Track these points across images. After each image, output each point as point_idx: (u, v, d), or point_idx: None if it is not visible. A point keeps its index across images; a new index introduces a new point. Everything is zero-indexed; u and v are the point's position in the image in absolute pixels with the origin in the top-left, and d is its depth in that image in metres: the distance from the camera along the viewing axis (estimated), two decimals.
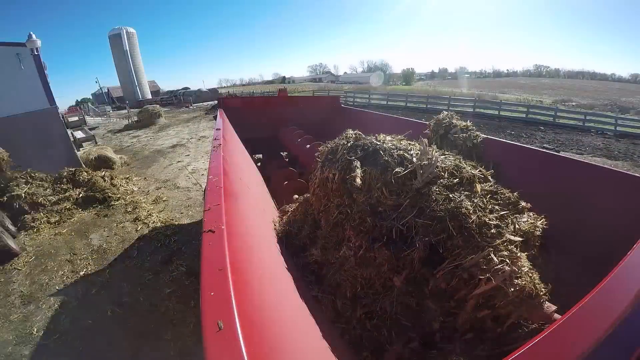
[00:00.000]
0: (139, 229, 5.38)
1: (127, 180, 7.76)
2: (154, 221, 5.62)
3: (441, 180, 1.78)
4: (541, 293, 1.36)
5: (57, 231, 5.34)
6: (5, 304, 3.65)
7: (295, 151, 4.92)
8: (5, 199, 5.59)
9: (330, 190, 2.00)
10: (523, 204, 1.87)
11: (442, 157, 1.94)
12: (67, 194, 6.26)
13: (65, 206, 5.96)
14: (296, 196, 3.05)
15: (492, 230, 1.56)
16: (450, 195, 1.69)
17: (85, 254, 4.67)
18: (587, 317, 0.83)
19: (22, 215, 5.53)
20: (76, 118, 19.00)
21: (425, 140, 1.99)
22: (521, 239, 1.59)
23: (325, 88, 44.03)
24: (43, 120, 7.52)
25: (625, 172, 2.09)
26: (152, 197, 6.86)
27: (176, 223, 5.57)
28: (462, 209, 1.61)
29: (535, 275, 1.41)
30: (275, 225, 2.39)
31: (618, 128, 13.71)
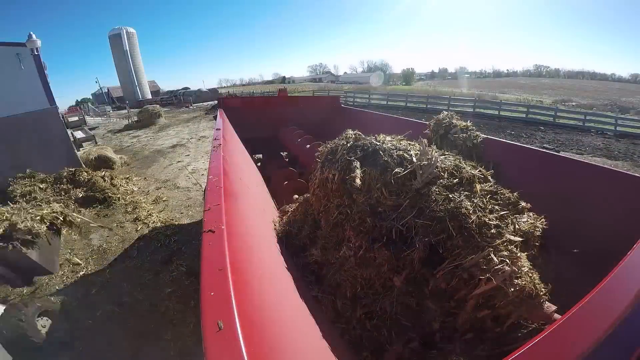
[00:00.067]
0: (139, 229, 5.38)
1: (127, 180, 7.76)
2: (154, 221, 5.62)
3: (441, 180, 1.78)
4: (541, 293, 1.36)
5: None
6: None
7: (295, 151, 4.92)
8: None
9: (330, 191, 2.00)
10: (523, 204, 1.87)
11: (441, 157, 1.94)
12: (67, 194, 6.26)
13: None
14: (296, 196, 3.05)
15: (492, 231, 1.56)
16: (450, 196, 1.69)
17: (85, 254, 4.67)
18: (587, 317, 0.83)
19: None
20: (76, 118, 18.99)
21: (425, 140, 1.99)
22: (521, 239, 1.59)
23: (325, 88, 44.04)
24: (43, 120, 7.52)
25: (625, 172, 2.09)
26: (152, 197, 6.86)
27: (176, 223, 5.57)
28: (462, 209, 1.61)
29: (535, 275, 1.41)
30: (275, 225, 2.39)
31: (618, 128, 13.71)
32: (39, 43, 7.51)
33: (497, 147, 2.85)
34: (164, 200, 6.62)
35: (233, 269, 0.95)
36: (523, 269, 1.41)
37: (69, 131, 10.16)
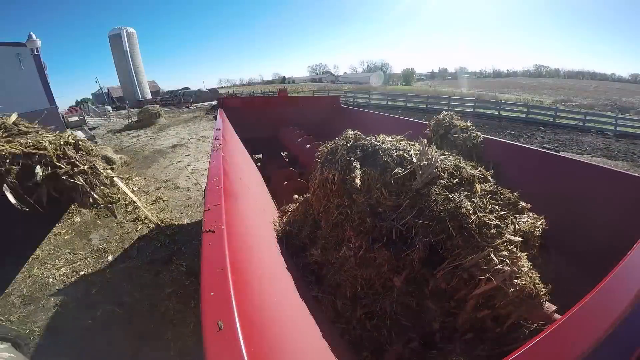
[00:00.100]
0: (139, 229, 5.38)
1: (127, 180, 7.76)
2: (153, 221, 5.62)
3: (441, 180, 1.79)
4: (541, 293, 1.36)
5: (57, 231, 5.34)
6: (5, 304, 3.65)
7: (295, 151, 4.92)
8: None
9: (330, 191, 2.00)
10: (523, 204, 1.87)
11: (441, 157, 1.94)
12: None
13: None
14: (296, 196, 3.05)
15: (492, 231, 1.56)
16: (450, 196, 1.69)
17: (85, 254, 4.67)
18: (587, 317, 0.83)
19: None
20: (76, 118, 18.96)
21: (425, 140, 1.99)
22: (521, 239, 1.59)
23: (325, 88, 44.04)
24: (43, 120, 7.50)
25: (625, 172, 2.09)
26: (152, 197, 6.86)
27: (176, 223, 5.57)
28: (462, 209, 1.61)
29: (535, 275, 1.41)
30: (275, 225, 2.39)
31: (618, 128, 13.71)
32: (39, 43, 7.52)
33: (497, 147, 2.85)
34: (164, 200, 6.63)
35: (233, 269, 0.95)
36: (523, 269, 1.41)
37: (69, 131, 10.16)
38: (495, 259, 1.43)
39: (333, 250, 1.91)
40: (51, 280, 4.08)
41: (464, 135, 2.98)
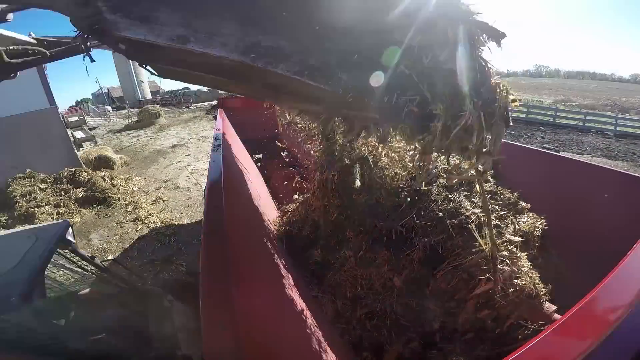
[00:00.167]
0: (139, 229, 5.38)
1: (127, 180, 7.76)
2: (154, 221, 5.62)
3: (440, 180, 1.79)
4: (541, 293, 1.36)
5: None
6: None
7: (295, 151, 4.91)
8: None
9: (330, 191, 2.00)
10: (523, 204, 1.87)
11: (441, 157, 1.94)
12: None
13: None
14: (296, 196, 3.05)
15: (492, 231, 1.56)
16: (450, 196, 1.69)
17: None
18: (587, 317, 0.83)
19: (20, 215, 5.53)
20: (76, 118, 18.97)
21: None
22: (521, 239, 1.59)
23: None
24: (43, 120, 7.52)
25: (626, 172, 2.09)
26: (152, 197, 6.86)
27: (176, 223, 5.56)
28: (462, 209, 1.61)
29: (535, 276, 1.41)
30: (275, 225, 2.39)
31: (618, 128, 13.69)
32: None
33: None
34: (164, 200, 6.62)
35: (233, 269, 0.95)
36: (523, 269, 1.41)
37: (69, 131, 10.16)
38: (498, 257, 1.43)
39: (333, 250, 1.92)
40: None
41: None
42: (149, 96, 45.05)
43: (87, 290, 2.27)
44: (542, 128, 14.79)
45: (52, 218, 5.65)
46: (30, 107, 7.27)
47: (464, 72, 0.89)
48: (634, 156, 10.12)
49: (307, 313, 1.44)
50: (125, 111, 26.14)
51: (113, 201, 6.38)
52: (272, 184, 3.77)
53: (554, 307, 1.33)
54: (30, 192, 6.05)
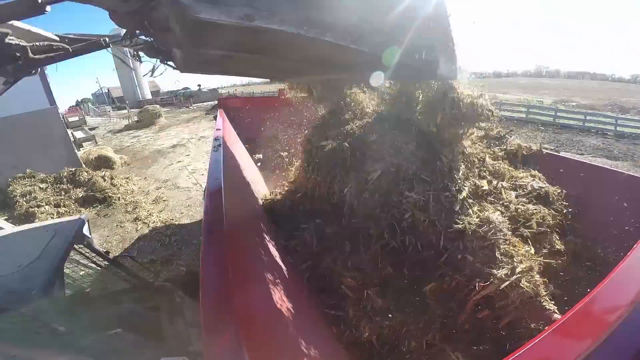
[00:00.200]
0: (139, 228, 5.38)
1: (127, 180, 7.75)
2: (154, 221, 5.61)
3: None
4: (542, 294, 1.36)
5: None
6: None
7: (295, 151, 4.90)
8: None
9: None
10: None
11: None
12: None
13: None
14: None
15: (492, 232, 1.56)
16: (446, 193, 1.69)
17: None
18: (587, 317, 0.83)
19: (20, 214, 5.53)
20: (76, 118, 18.97)
21: None
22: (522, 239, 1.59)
23: None
24: (43, 120, 7.52)
25: (626, 172, 2.09)
26: (152, 197, 6.86)
27: (176, 223, 5.56)
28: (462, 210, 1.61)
29: (535, 277, 1.41)
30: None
31: (618, 128, 13.68)
32: None
33: None
34: (164, 200, 6.62)
35: (233, 269, 0.95)
36: (523, 269, 1.41)
37: (69, 131, 10.16)
38: (498, 257, 1.44)
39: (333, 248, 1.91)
40: None
41: None
42: (149, 96, 45.02)
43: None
44: (542, 128, 14.78)
45: (52, 218, 5.65)
46: (30, 107, 7.27)
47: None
48: (634, 156, 10.11)
49: (307, 313, 1.44)
50: (125, 111, 26.12)
51: (113, 201, 6.38)
52: (273, 184, 3.77)
53: (554, 307, 1.33)
54: (30, 192, 6.05)
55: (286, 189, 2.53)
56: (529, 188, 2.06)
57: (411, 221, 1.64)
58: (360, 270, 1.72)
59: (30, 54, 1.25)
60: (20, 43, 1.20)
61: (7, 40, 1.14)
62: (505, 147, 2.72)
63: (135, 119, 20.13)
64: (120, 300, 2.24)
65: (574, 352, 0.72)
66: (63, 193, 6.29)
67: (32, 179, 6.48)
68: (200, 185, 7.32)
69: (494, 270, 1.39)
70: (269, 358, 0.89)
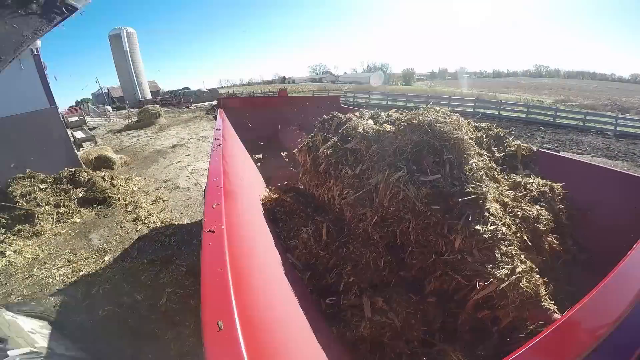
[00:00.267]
0: (139, 229, 5.38)
1: (127, 181, 7.75)
2: (154, 221, 5.62)
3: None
4: (541, 294, 1.36)
5: (57, 231, 5.34)
6: (6, 304, 3.65)
7: (295, 151, 4.90)
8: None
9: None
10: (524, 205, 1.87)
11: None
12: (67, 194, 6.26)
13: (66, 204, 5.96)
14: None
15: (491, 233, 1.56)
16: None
17: (85, 254, 4.67)
18: (587, 317, 0.83)
19: (21, 216, 5.53)
20: (76, 118, 18.96)
21: None
22: (521, 240, 1.59)
23: (325, 88, 43.95)
24: (43, 120, 7.51)
25: (626, 172, 2.10)
26: (152, 197, 6.86)
27: (176, 223, 5.56)
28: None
29: (535, 277, 1.41)
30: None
31: (618, 128, 13.69)
32: (39, 43, 7.49)
33: None
34: (164, 200, 6.62)
35: (233, 269, 0.95)
36: (523, 269, 1.41)
37: (69, 131, 10.15)
38: (498, 257, 1.43)
39: (336, 248, 1.91)
40: (51, 280, 4.08)
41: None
42: (149, 96, 45.04)
43: None
44: (542, 128, 14.80)
45: (52, 218, 5.65)
46: (30, 107, 7.27)
47: None
48: (634, 156, 10.11)
49: (308, 313, 1.44)
50: (125, 111, 26.14)
51: (113, 201, 6.38)
52: (272, 184, 3.77)
53: (554, 307, 1.33)
54: (30, 192, 6.05)
55: (286, 189, 2.53)
56: (529, 188, 2.07)
57: (411, 222, 1.64)
58: (360, 270, 1.72)
59: None
60: None
61: None
62: (504, 147, 2.72)
63: (135, 119, 20.14)
64: None
65: (574, 352, 0.72)
66: (63, 193, 6.29)
67: (32, 179, 6.47)
68: (200, 185, 7.32)
69: (494, 270, 1.39)
70: (269, 358, 0.89)
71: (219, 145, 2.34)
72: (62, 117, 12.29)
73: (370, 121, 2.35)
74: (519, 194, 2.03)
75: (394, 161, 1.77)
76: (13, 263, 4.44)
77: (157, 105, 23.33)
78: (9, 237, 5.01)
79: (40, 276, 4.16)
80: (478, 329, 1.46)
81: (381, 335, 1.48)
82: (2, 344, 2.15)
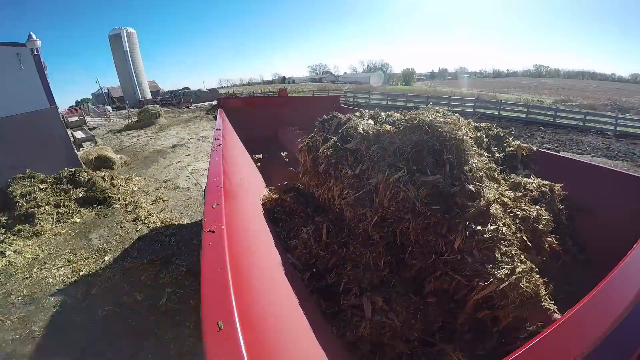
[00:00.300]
0: (139, 229, 5.38)
1: (127, 181, 7.75)
2: (154, 221, 5.62)
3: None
4: (541, 294, 1.36)
5: (57, 231, 5.34)
6: (6, 304, 3.65)
7: (295, 151, 4.91)
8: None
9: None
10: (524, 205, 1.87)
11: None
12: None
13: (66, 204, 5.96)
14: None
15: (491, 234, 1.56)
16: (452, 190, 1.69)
17: (85, 254, 4.67)
18: (587, 317, 0.83)
19: (21, 215, 5.53)
20: (76, 118, 18.98)
21: None
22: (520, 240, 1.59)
23: (325, 88, 43.95)
24: (43, 120, 7.51)
25: (626, 172, 2.10)
26: (152, 197, 6.86)
27: (176, 223, 5.56)
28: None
29: (535, 277, 1.41)
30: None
31: (618, 128, 13.69)
32: (39, 43, 7.50)
33: None
34: (164, 201, 6.62)
35: (233, 269, 0.95)
36: (523, 270, 1.41)
37: (69, 131, 10.16)
38: (498, 257, 1.43)
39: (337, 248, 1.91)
40: (51, 280, 4.08)
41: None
42: (149, 96, 45.06)
43: None
44: (542, 128, 14.80)
45: (52, 218, 5.65)
46: (30, 107, 7.27)
47: None
48: (634, 156, 10.12)
49: (307, 312, 1.44)
50: (125, 111, 26.13)
51: (113, 201, 6.38)
52: (272, 184, 3.77)
53: (554, 307, 1.33)
54: (30, 192, 6.05)
55: (286, 189, 2.53)
56: (529, 188, 2.07)
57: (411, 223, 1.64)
58: (360, 270, 1.72)
59: None
60: None
61: None
62: (504, 147, 2.72)
63: (135, 119, 20.14)
64: None
65: (574, 352, 0.72)
66: (63, 193, 6.29)
67: (32, 179, 6.48)
68: (200, 185, 7.32)
69: (494, 271, 1.39)
70: (269, 358, 0.89)
71: (219, 145, 2.34)
72: (62, 117, 12.30)
73: (370, 121, 2.35)
74: (519, 194, 2.03)
75: (394, 161, 1.77)
76: (13, 263, 4.44)
77: (157, 106, 23.35)
78: (9, 237, 5.02)
79: (40, 276, 4.16)
80: (478, 329, 1.46)
81: (381, 335, 1.48)
82: None
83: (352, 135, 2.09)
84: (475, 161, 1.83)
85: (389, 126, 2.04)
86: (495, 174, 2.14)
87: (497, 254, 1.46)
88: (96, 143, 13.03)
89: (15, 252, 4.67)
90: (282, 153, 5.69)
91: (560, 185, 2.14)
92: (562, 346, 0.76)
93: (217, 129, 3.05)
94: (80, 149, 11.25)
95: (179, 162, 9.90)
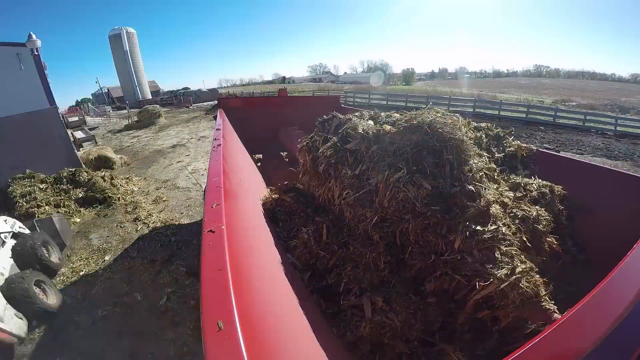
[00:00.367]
0: (139, 229, 5.38)
1: (127, 181, 7.75)
2: (154, 221, 5.62)
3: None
4: (541, 294, 1.36)
5: None
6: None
7: (295, 151, 4.91)
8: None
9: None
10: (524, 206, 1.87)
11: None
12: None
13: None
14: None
15: (491, 234, 1.56)
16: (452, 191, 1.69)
17: (85, 254, 4.67)
18: (587, 317, 0.83)
19: (20, 214, 5.53)
20: (76, 118, 18.99)
21: None
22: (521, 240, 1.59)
23: (325, 88, 43.92)
24: (43, 120, 7.51)
25: (626, 172, 2.10)
26: (152, 197, 6.86)
27: (176, 223, 5.56)
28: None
29: (535, 277, 1.41)
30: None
31: (618, 128, 13.69)
32: (39, 43, 7.50)
33: None
34: (164, 201, 6.62)
35: (233, 269, 0.95)
36: (523, 270, 1.41)
37: (69, 131, 10.15)
38: (498, 257, 1.43)
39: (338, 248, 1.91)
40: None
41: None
42: (149, 96, 45.04)
43: None
44: (542, 128, 14.79)
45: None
46: (30, 107, 7.27)
47: None
48: (634, 156, 10.11)
49: (307, 312, 1.44)
50: (125, 111, 26.13)
51: (113, 201, 6.38)
52: (272, 184, 3.77)
53: (554, 307, 1.33)
54: (30, 192, 6.05)
55: (286, 189, 2.53)
56: (528, 188, 2.07)
57: (411, 223, 1.64)
58: (360, 270, 1.72)
59: None
60: None
61: None
62: (504, 147, 2.72)
63: (135, 119, 20.14)
64: None
65: (574, 352, 0.72)
66: (63, 193, 6.29)
67: (32, 180, 6.48)
68: (200, 185, 7.32)
69: (494, 271, 1.39)
70: (269, 358, 0.89)
71: (219, 145, 2.34)
72: (62, 117, 12.29)
73: (370, 121, 2.35)
74: (519, 194, 2.03)
75: (394, 162, 1.77)
76: None
77: (157, 105, 23.34)
78: None
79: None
80: (478, 329, 1.46)
81: (381, 335, 1.48)
82: None
83: (352, 136, 2.09)
84: (475, 161, 1.83)
85: (389, 126, 2.04)
86: (495, 174, 2.14)
87: (497, 254, 1.46)
88: (96, 143, 13.03)
89: None
90: (282, 153, 5.69)
91: (560, 187, 2.14)
92: (562, 346, 0.76)
93: (217, 129, 3.05)
94: (80, 149, 11.25)
95: (179, 162, 9.90)
